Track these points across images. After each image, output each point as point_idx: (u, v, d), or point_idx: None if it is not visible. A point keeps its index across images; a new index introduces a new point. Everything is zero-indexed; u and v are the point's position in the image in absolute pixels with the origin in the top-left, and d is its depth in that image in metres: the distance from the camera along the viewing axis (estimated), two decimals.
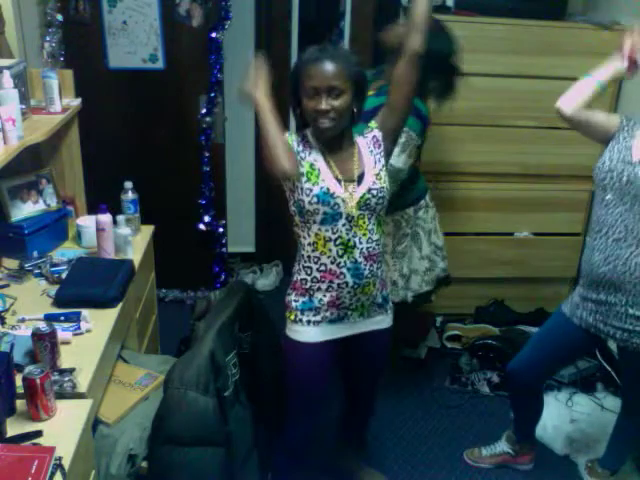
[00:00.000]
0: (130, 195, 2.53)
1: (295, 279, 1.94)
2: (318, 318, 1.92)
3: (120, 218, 2.40)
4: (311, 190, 1.80)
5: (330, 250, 1.84)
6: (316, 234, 1.84)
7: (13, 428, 1.57)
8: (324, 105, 1.73)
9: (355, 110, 1.83)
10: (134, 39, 3.14)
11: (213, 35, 3.13)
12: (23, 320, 2.01)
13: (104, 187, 2.52)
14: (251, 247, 4.00)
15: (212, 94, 3.23)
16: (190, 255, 3.48)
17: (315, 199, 1.79)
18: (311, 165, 1.82)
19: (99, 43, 3.13)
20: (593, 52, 2.60)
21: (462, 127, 3.10)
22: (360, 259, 1.86)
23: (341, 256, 1.85)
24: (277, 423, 2.25)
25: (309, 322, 1.92)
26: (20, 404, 1.62)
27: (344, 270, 1.86)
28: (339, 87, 1.73)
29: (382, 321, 2.04)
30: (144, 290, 2.59)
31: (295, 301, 1.93)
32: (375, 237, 1.88)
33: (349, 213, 1.82)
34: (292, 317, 1.95)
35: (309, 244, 1.87)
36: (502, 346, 3.10)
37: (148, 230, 2.66)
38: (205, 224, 3.46)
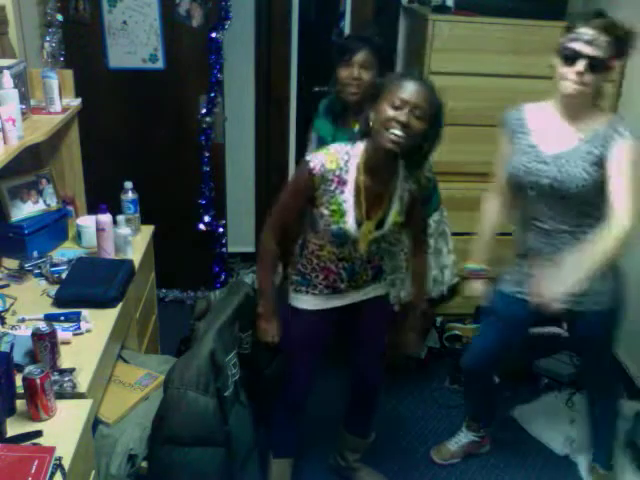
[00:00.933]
0: (130, 195, 2.53)
1: (297, 261, 2.07)
2: (315, 292, 2.06)
3: (120, 218, 2.40)
4: (329, 224, 1.91)
5: (332, 255, 2.00)
6: (322, 246, 1.99)
7: (13, 428, 1.57)
8: (404, 117, 1.74)
9: (420, 148, 1.85)
10: (134, 39, 3.14)
11: (213, 35, 3.13)
12: (23, 320, 2.00)
13: (104, 187, 2.52)
14: (251, 247, 3.99)
15: (212, 94, 3.23)
16: (190, 255, 3.48)
17: (330, 231, 1.92)
18: (339, 205, 1.88)
19: (99, 43, 3.13)
20: None
21: (462, 127, 3.10)
22: (357, 263, 2.04)
23: (341, 260, 2.01)
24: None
25: (307, 292, 2.07)
26: (20, 404, 1.62)
27: (341, 271, 2.03)
28: (423, 110, 1.76)
29: (375, 289, 2.14)
30: (144, 290, 2.59)
31: (295, 276, 2.09)
32: (376, 255, 2.07)
33: (358, 249, 1.97)
34: (293, 288, 2.09)
35: (315, 244, 2.00)
36: None
37: (148, 230, 2.66)
38: (205, 224, 3.46)
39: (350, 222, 1.89)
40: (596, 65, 1.84)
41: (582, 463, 2.58)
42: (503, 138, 2.12)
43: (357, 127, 2.34)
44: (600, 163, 1.91)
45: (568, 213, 2.01)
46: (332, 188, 1.87)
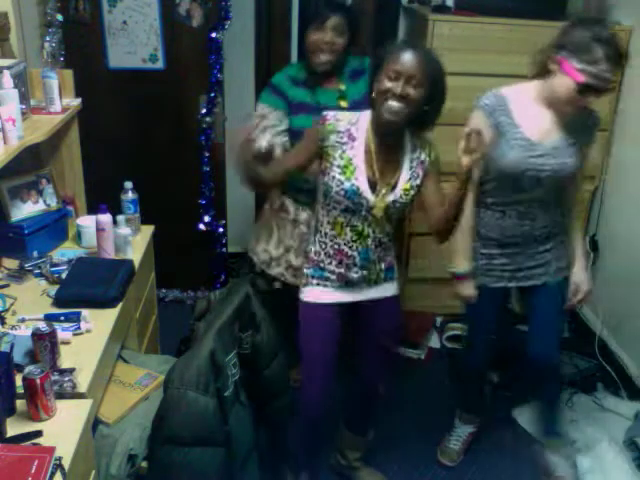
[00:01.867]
0: (130, 195, 2.53)
1: (309, 250, 2.08)
2: (327, 283, 2.05)
3: (120, 218, 2.40)
4: (342, 183, 1.89)
5: (346, 234, 1.98)
6: (335, 217, 1.97)
7: (13, 428, 1.57)
8: (399, 89, 1.76)
9: (424, 113, 1.85)
10: (134, 39, 3.14)
11: (213, 35, 3.13)
12: (23, 320, 2.00)
13: (104, 187, 2.52)
14: None
15: (212, 94, 3.23)
16: (190, 255, 3.48)
17: (342, 192, 1.90)
18: (349, 160, 1.89)
19: (99, 43, 3.13)
20: None
21: (462, 127, 3.09)
22: (371, 246, 2.00)
23: (355, 241, 1.99)
24: (277, 423, 2.25)
25: (318, 284, 2.05)
26: (20, 404, 1.62)
27: (355, 253, 2.00)
28: (419, 79, 1.77)
29: (387, 289, 2.12)
30: (144, 290, 2.59)
31: (307, 269, 2.08)
32: (387, 229, 2.02)
33: (374, 214, 1.93)
34: (304, 282, 2.08)
35: (328, 222, 2.00)
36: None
37: (148, 230, 2.66)
38: (205, 224, 3.46)
39: (362, 180, 1.89)
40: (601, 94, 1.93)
41: (582, 463, 2.58)
42: (482, 122, 2.04)
43: (342, 86, 2.41)
44: (580, 150, 2.09)
45: (552, 203, 2.16)
46: (343, 141, 1.89)
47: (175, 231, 3.24)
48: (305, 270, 2.08)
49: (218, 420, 1.98)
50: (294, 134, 2.39)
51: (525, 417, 2.82)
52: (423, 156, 1.95)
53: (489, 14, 3.01)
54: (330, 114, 1.91)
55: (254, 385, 2.25)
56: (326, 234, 2.01)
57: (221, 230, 3.50)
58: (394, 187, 1.92)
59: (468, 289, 2.25)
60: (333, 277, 2.04)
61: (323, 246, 2.03)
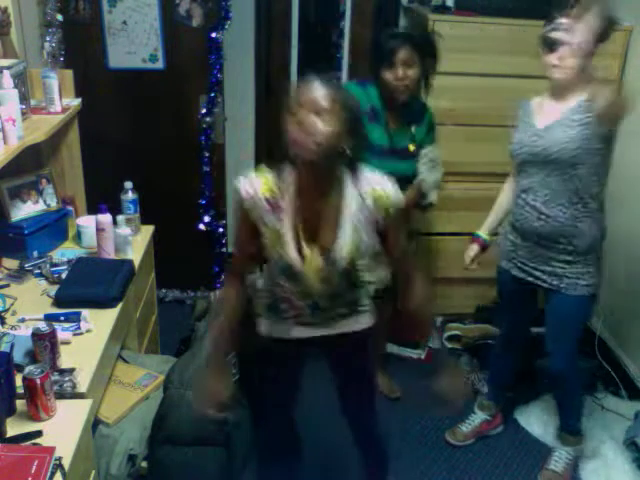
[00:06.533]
0: (130, 195, 2.53)
1: (259, 291, 1.84)
2: (283, 321, 1.82)
3: (120, 218, 2.40)
4: (272, 256, 1.67)
5: (293, 294, 1.75)
6: (278, 282, 1.74)
7: (13, 428, 1.57)
8: (309, 120, 1.52)
9: (344, 151, 1.58)
10: (134, 39, 3.14)
11: (213, 35, 3.12)
12: (23, 320, 2.01)
13: (104, 187, 2.52)
14: None
15: (212, 94, 3.23)
16: (190, 255, 3.47)
17: (276, 266, 1.69)
18: (277, 231, 1.64)
19: (99, 43, 3.13)
20: None
21: (462, 127, 3.10)
22: (322, 301, 1.75)
23: (302, 299, 1.75)
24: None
25: (276, 321, 1.82)
26: (20, 404, 1.63)
27: (305, 307, 1.77)
28: (328, 111, 1.53)
29: (357, 322, 1.86)
30: (144, 290, 2.59)
31: (261, 304, 1.85)
32: (344, 284, 1.75)
33: (311, 285, 1.69)
34: (260, 313, 1.85)
35: (273, 279, 1.76)
36: None
37: (148, 230, 2.66)
38: (205, 224, 3.46)
39: (291, 251, 1.64)
40: (575, 50, 2.00)
41: (582, 463, 2.58)
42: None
43: (413, 129, 2.44)
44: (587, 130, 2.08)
45: (561, 187, 2.15)
46: (266, 209, 1.63)
47: (175, 231, 3.24)
48: (258, 306, 1.84)
49: (218, 420, 1.98)
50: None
51: (525, 417, 2.82)
52: (375, 215, 1.65)
53: (489, 14, 3.01)
54: (245, 189, 1.63)
55: (254, 385, 2.25)
56: (275, 283, 1.76)
57: (221, 230, 3.50)
58: (329, 249, 1.65)
59: (470, 251, 2.45)
60: (287, 315, 1.80)
61: (273, 292, 1.78)
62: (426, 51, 2.35)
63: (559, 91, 2.14)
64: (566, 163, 2.10)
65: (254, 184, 1.63)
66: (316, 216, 1.64)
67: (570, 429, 2.53)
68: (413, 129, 2.45)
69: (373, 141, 2.29)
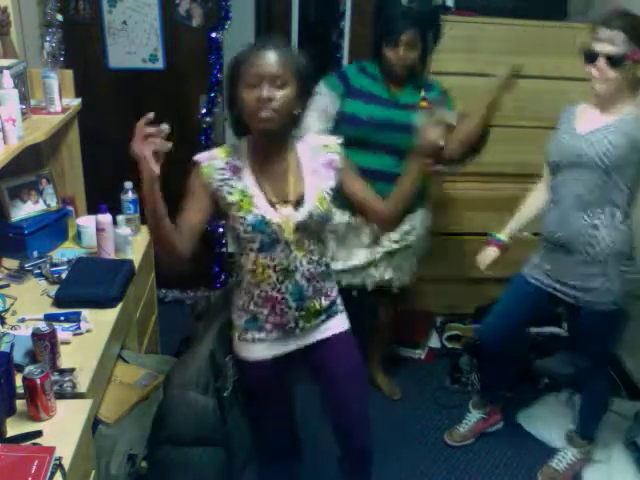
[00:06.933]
0: (130, 195, 2.53)
1: (237, 303, 1.82)
2: (263, 335, 1.78)
3: (120, 218, 2.40)
4: (245, 219, 1.68)
5: (270, 277, 1.73)
6: (254, 261, 1.73)
7: (13, 428, 1.57)
8: (265, 93, 1.57)
9: (297, 113, 1.68)
10: (134, 39, 3.14)
11: (213, 35, 3.13)
12: (23, 320, 2.01)
13: (104, 187, 2.52)
14: None
15: (212, 94, 3.23)
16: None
17: (250, 228, 1.68)
18: (242, 192, 1.69)
19: (99, 43, 3.13)
20: None
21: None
22: (302, 282, 1.76)
23: (282, 282, 1.74)
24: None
25: (254, 339, 1.79)
26: (20, 404, 1.63)
27: (286, 295, 1.75)
28: (283, 77, 1.60)
29: (334, 326, 1.87)
30: (144, 290, 2.59)
31: (239, 318, 1.81)
32: (316, 257, 1.78)
33: (287, 239, 1.70)
34: (237, 334, 1.82)
35: (249, 271, 1.75)
36: None
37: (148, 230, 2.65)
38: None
39: (262, 206, 1.68)
40: (616, 61, 1.98)
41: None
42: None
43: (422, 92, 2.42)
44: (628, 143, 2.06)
45: (589, 195, 2.12)
46: (227, 177, 1.70)
47: None
48: (236, 322, 1.82)
49: (218, 420, 1.98)
50: (343, 119, 2.42)
51: (525, 417, 2.83)
52: (330, 155, 1.77)
53: (489, 14, 3.02)
54: (202, 156, 1.73)
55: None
56: (250, 282, 1.76)
57: (221, 230, 3.50)
58: (300, 202, 1.71)
59: (491, 253, 2.42)
60: (269, 326, 1.77)
61: (250, 296, 1.77)
62: (430, 30, 2.38)
63: (602, 101, 2.11)
64: (601, 171, 2.07)
65: (211, 153, 1.75)
66: (278, 177, 1.72)
67: (584, 433, 2.52)
68: (422, 92, 2.43)
69: (360, 85, 2.43)
